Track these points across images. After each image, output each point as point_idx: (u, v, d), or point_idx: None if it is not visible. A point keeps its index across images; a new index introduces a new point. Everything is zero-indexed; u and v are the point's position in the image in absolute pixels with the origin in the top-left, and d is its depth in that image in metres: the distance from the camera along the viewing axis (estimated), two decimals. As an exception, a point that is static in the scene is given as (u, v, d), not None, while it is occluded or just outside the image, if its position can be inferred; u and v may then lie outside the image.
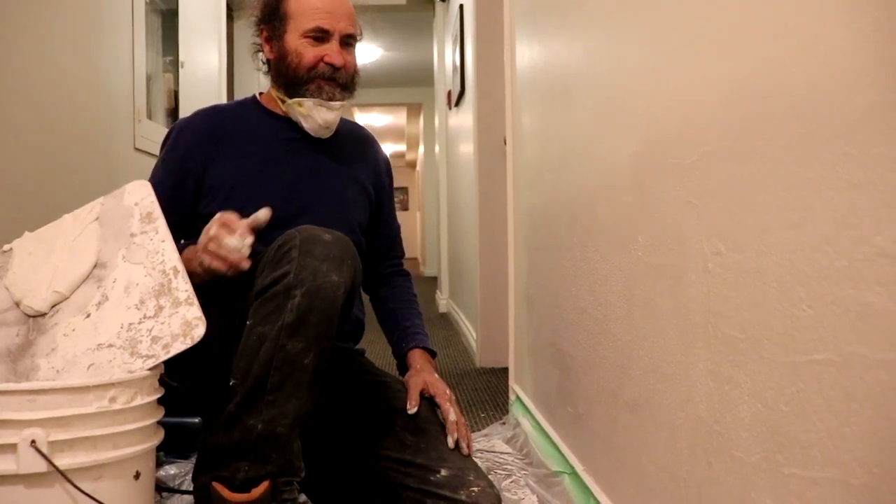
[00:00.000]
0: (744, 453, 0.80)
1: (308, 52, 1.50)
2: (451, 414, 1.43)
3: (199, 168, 1.50)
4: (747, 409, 0.80)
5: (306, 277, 1.18)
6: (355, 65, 1.56)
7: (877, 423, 0.59)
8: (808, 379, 0.68)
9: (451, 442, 1.39)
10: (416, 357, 1.57)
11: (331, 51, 1.50)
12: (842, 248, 0.63)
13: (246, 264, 1.26)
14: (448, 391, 1.48)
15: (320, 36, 1.50)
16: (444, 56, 5.32)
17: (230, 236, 1.26)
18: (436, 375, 1.54)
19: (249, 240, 1.27)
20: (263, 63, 1.61)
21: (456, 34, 4.23)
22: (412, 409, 1.42)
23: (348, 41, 1.54)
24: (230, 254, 1.25)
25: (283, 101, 1.55)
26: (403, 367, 1.59)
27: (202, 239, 1.29)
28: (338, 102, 1.52)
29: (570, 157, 1.57)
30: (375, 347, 3.95)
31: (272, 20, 1.55)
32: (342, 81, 1.52)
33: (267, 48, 1.58)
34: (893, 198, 0.56)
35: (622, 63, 1.22)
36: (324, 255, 1.20)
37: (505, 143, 2.44)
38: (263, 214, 1.30)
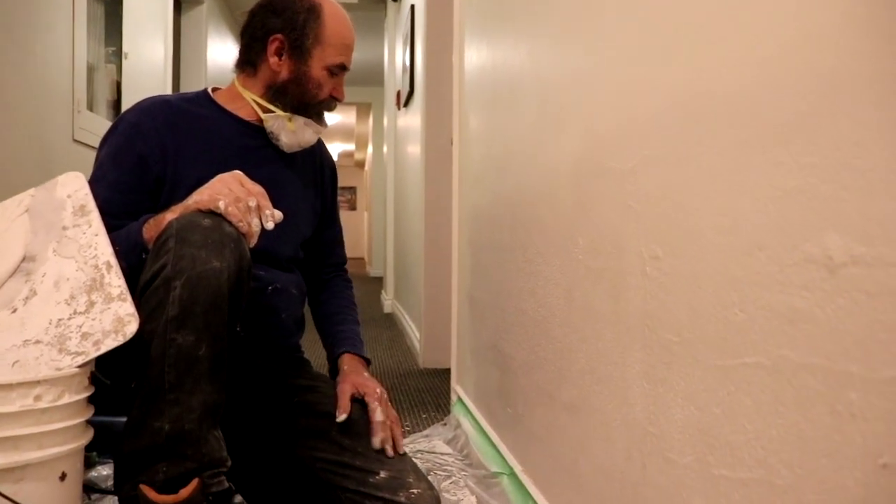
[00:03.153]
0: (677, 455, 0.81)
1: (327, 86, 1.50)
2: (378, 413, 1.40)
3: (161, 164, 1.40)
4: (681, 411, 0.81)
5: (185, 267, 1.12)
6: None
7: (802, 425, 0.60)
8: (739, 382, 0.69)
9: (376, 443, 1.37)
10: (346, 360, 1.54)
11: (339, 86, 1.52)
12: (772, 253, 0.64)
13: (253, 242, 1.21)
14: (379, 389, 1.45)
15: (337, 72, 1.51)
16: (395, 56, 5.31)
17: (256, 219, 1.20)
18: (366, 375, 1.51)
19: (258, 229, 1.21)
20: (248, 63, 1.52)
21: (407, 34, 4.22)
22: (341, 416, 1.39)
23: None
24: (254, 226, 1.20)
25: (266, 110, 1.50)
26: (335, 373, 1.55)
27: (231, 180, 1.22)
28: (324, 127, 1.55)
29: (514, 159, 1.57)
30: (315, 348, 3.92)
31: (297, 36, 1.48)
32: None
33: (274, 60, 1.49)
34: (821, 206, 0.57)
35: (565, 67, 1.23)
36: (202, 241, 1.14)
37: (452, 144, 2.44)
38: (279, 216, 1.24)
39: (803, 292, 0.60)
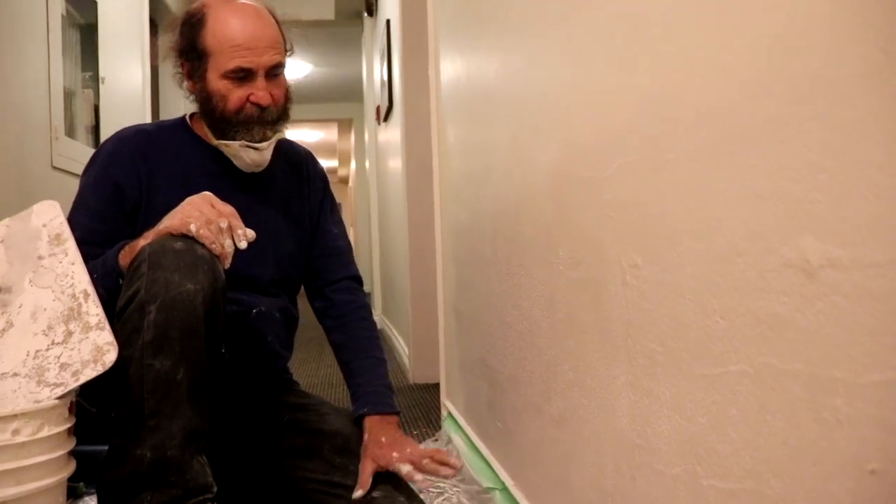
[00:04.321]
0: (665, 466, 0.80)
1: (232, 95, 1.39)
2: (416, 474, 1.32)
3: (136, 190, 1.40)
4: (667, 421, 0.80)
5: (158, 291, 1.12)
6: (285, 92, 1.45)
7: (788, 433, 0.59)
8: (724, 390, 0.68)
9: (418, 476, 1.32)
10: (367, 425, 1.41)
11: (256, 89, 1.38)
12: (751, 258, 0.63)
13: (227, 263, 1.20)
14: (396, 454, 1.34)
15: (243, 76, 1.38)
16: (373, 71, 5.30)
17: (229, 239, 1.19)
18: (384, 441, 1.37)
19: (232, 249, 1.20)
20: (189, 92, 1.49)
21: (383, 49, 4.22)
22: (357, 493, 1.31)
23: (275, 71, 1.42)
24: (227, 247, 1.19)
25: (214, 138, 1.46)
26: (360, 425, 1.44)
27: (201, 202, 1.21)
28: (265, 143, 1.42)
29: (493, 171, 1.57)
30: (305, 367, 3.91)
31: (191, 56, 1.43)
32: (272, 119, 1.42)
33: (189, 84, 1.46)
34: (795, 209, 0.57)
35: (539, 77, 1.23)
36: (174, 264, 1.13)
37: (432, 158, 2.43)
38: (251, 235, 1.22)
39: (783, 298, 0.59)
